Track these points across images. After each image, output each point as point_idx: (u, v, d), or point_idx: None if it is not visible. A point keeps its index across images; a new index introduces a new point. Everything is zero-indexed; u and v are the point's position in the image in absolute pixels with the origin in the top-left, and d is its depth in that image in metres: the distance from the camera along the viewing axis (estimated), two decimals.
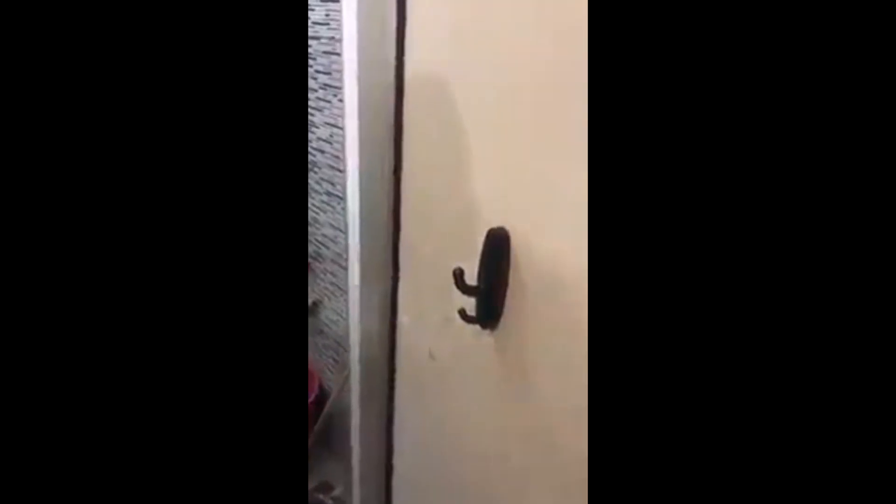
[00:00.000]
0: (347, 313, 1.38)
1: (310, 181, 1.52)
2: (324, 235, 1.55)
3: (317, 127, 1.42)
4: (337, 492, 1.64)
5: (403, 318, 1.17)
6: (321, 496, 1.65)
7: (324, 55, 1.30)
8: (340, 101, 1.29)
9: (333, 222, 1.49)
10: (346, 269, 1.40)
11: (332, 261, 1.54)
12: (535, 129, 0.67)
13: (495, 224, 0.73)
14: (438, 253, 0.95)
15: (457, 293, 0.76)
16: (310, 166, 1.50)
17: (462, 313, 0.77)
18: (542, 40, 0.64)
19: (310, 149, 1.47)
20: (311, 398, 1.68)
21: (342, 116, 1.30)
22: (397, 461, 1.32)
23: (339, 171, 1.38)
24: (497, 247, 0.73)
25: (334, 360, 1.66)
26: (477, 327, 0.79)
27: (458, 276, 0.74)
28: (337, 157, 1.38)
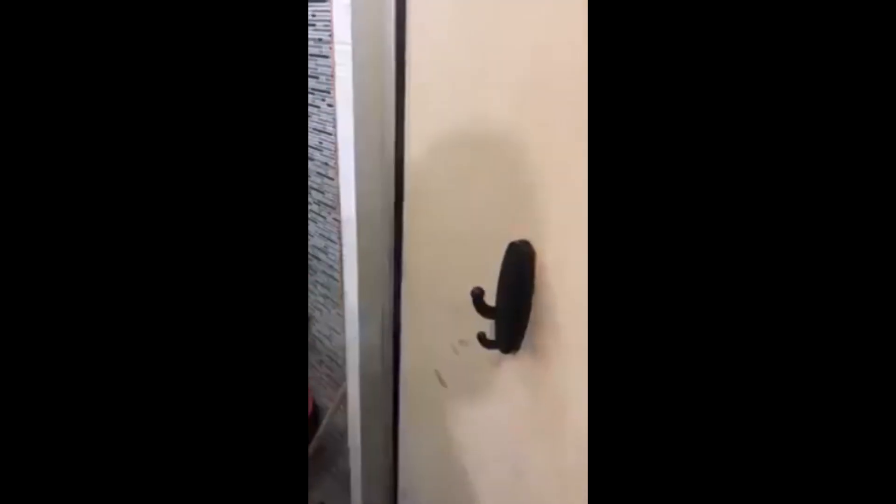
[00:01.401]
0: (343, 328, 1.32)
1: None
2: (314, 246, 1.48)
3: None
4: None
5: (407, 337, 1.10)
6: None
7: (310, 58, 1.22)
8: (330, 105, 1.22)
9: (324, 232, 1.42)
10: (339, 281, 1.34)
11: (324, 272, 1.47)
12: (566, 130, 0.60)
13: (516, 238, 0.67)
14: (448, 268, 0.89)
15: (471, 314, 0.70)
16: None
17: (482, 338, 0.71)
18: (561, 32, 0.59)
19: None
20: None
21: (331, 122, 1.23)
22: (404, 483, 1.25)
23: (329, 178, 1.31)
24: (519, 263, 0.66)
25: (328, 376, 1.59)
26: (496, 352, 0.73)
27: (477, 296, 0.68)
28: (326, 164, 1.31)
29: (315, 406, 1.65)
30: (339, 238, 1.29)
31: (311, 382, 1.68)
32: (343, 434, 1.43)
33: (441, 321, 0.93)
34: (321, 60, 1.21)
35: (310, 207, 1.44)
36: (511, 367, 0.74)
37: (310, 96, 1.28)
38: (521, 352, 0.71)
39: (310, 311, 1.59)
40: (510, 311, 0.68)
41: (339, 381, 1.48)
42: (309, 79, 1.25)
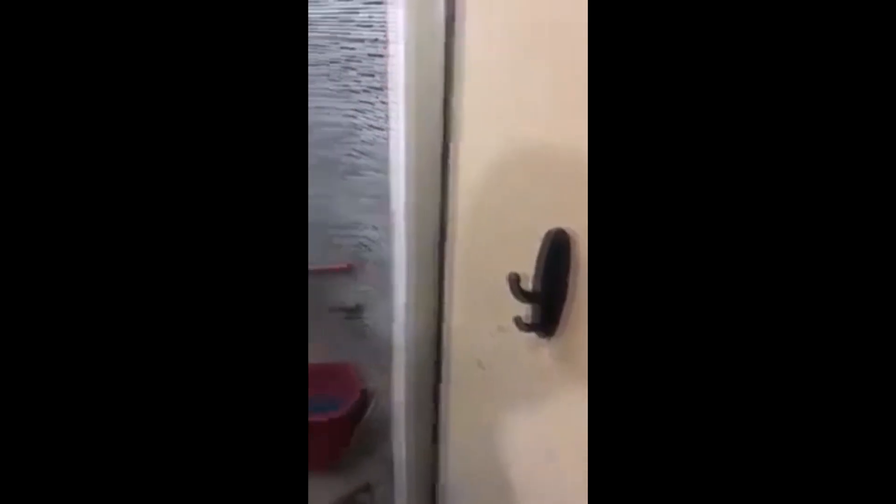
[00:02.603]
0: (392, 317, 1.37)
1: (352, 184, 1.52)
2: (367, 237, 1.54)
3: (359, 130, 1.42)
4: (379, 493, 1.64)
5: (452, 324, 1.15)
6: (364, 496, 1.65)
7: (368, 58, 1.29)
8: (383, 102, 1.28)
9: (376, 224, 1.48)
10: (389, 271, 1.39)
11: (375, 263, 1.53)
12: None
13: (554, 226, 0.70)
14: (490, 256, 0.93)
15: (510, 300, 0.73)
16: (353, 169, 1.50)
17: (518, 321, 0.74)
18: None
19: (353, 152, 1.47)
20: (354, 402, 1.68)
21: (384, 118, 1.29)
22: (443, 469, 1.30)
23: (383, 173, 1.37)
24: (557, 250, 0.70)
25: (377, 364, 1.65)
26: (533, 336, 0.76)
27: (514, 281, 0.72)
28: (382, 159, 1.37)
29: (364, 393, 1.72)
30: (391, 230, 1.35)
31: (360, 371, 1.75)
32: (389, 419, 1.48)
33: (481, 309, 0.97)
34: (378, 60, 1.27)
35: (364, 201, 1.50)
36: (547, 351, 0.77)
37: (365, 94, 1.34)
38: (557, 335, 0.74)
39: (361, 300, 1.66)
40: (547, 295, 0.71)
41: (386, 367, 1.54)
42: (365, 77, 1.32)
